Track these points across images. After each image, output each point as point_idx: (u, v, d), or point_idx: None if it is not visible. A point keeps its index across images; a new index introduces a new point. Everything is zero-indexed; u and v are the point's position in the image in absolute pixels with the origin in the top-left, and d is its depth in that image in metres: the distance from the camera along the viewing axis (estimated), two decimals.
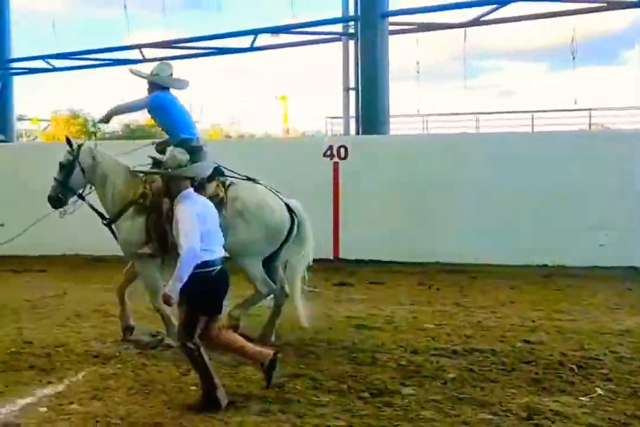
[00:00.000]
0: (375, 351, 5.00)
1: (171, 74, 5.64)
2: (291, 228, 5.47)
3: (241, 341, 4.19)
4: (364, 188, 9.54)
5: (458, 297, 7.15)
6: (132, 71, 5.74)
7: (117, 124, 44.25)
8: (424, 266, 8.95)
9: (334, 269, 8.83)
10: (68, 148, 5.58)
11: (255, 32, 17.16)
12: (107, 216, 5.52)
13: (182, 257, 3.77)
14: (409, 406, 3.91)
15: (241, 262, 5.22)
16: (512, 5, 13.11)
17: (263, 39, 17.60)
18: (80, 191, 5.62)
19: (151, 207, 5.20)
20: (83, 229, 10.02)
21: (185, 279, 3.78)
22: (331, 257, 9.54)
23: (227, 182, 5.36)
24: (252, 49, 17.66)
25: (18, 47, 22.25)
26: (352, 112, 15.85)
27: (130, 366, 4.71)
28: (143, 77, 5.61)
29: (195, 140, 5.49)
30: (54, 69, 19.99)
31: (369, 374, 4.48)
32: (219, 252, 4.01)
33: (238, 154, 10.23)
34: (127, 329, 5.52)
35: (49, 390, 4.26)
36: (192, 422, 3.70)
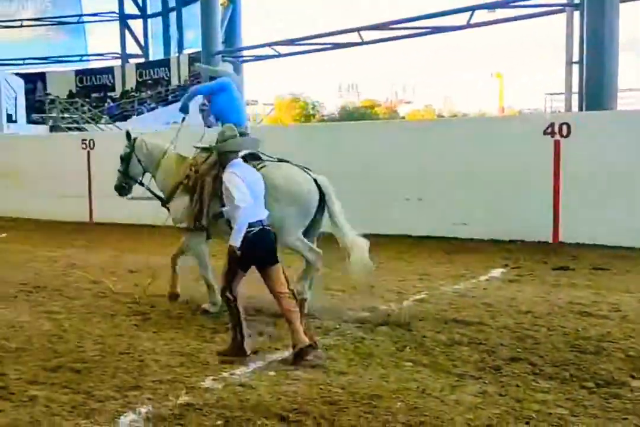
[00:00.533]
0: (601, 340, 4.72)
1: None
2: (322, 201, 5.73)
3: (298, 313, 4.48)
4: (587, 168, 8.96)
5: None
6: (197, 66, 6.70)
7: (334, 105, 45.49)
8: None
9: (553, 253, 8.46)
10: (126, 142, 6.38)
11: (472, 9, 16.76)
12: (164, 198, 6.14)
13: (238, 211, 4.29)
14: (639, 400, 3.67)
15: (281, 236, 5.29)
16: None
17: (479, 16, 17.16)
18: (140, 179, 6.40)
19: (193, 186, 5.74)
20: None
21: (243, 229, 4.29)
22: (550, 240, 9.14)
23: (260, 165, 5.67)
24: (468, 26, 17.29)
25: (248, 36, 23.79)
26: (575, 87, 14.94)
27: (349, 339, 4.91)
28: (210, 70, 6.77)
29: (243, 128, 5.94)
30: (279, 55, 21.07)
31: (593, 363, 4.25)
32: (260, 215, 4.47)
33: (452, 133, 10.19)
34: (172, 297, 5.96)
35: (276, 356, 4.58)
36: (409, 397, 3.77)
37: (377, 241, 9.55)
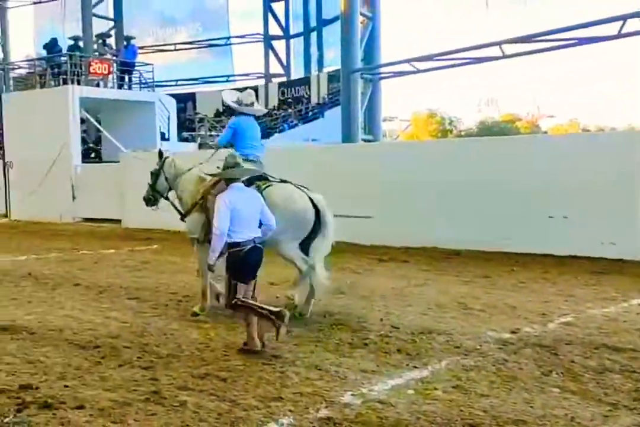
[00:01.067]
0: None
1: (252, 103, 6.91)
2: (318, 218, 6.33)
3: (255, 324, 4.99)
4: None
5: None
6: (223, 97, 7.50)
7: (472, 120, 44.73)
8: None
9: None
10: (158, 160, 7.12)
11: (624, 18, 15.93)
12: (183, 213, 6.80)
13: (215, 236, 4.99)
14: None
15: (278, 248, 6.22)
16: None
17: (632, 24, 16.27)
18: (166, 194, 7.10)
19: (207, 205, 6.33)
20: (441, 224, 10.56)
21: (217, 250, 4.99)
22: None
23: (265, 185, 6.32)
24: (619, 36, 16.43)
25: (386, 52, 23.98)
26: None
27: (491, 360, 4.77)
28: (228, 104, 7.00)
29: (252, 157, 6.66)
30: (418, 71, 21.04)
31: None
32: (250, 234, 5.04)
33: (599, 147, 9.69)
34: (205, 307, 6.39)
35: (415, 374, 4.53)
36: (556, 424, 3.61)
37: (517, 259, 9.41)
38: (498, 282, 7.95)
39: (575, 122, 51.96)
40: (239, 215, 5.02)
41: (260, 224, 5.28)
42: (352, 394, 4.10)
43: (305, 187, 6.52)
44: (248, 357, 4.87)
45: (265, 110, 7.05)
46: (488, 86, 69.08)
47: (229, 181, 5.26)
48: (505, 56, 17.79)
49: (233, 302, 5.02)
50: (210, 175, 6.25)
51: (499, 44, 17.98)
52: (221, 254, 5.12)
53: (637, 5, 15.89)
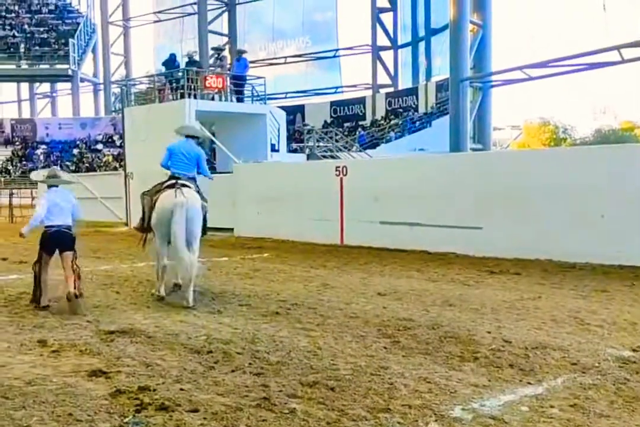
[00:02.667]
0: None
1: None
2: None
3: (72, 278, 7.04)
4: None
5: None
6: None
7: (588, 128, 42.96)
8: None
9: None
10: None
11: None
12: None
13: (32, 217, 7.29)
14: None
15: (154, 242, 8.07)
16: None
17: None
18: None
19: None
20: (555, 235, 10.18)
21: (30, 225, 7.12)
22: None
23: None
24: None
25: (496, 59, 23.49)
26: None
27: (610, 379, 4.53)
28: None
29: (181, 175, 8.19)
30: (530, 79, 20.51)
31: None
32: (62, 222, 7.14)
33: None
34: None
35: (529, 390, 4.37)
36: None
37: (637, 273, 8.92)
38: (616, 297, 7.56)
39: (634, 124, 48.81)
40: (53, 208, 7.13)
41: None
42: (462, 409, 4.01)
43: (186, 190, 7.80)
44: (356, 367, 4.87)
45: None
46: (604, 93, 66.22)
47: (50, 186, 7.50)
48: (624, 61, 17.03)
49: (34, 266, 7.24)
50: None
51: (617, 48, 17.26)
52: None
53: None
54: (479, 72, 22.45)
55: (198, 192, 8.14)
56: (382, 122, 29.85)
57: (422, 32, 31.26)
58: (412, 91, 29.84)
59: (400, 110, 29.61)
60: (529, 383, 4.52)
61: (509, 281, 8.85)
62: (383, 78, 33.34)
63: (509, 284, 8.61)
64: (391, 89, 32.47)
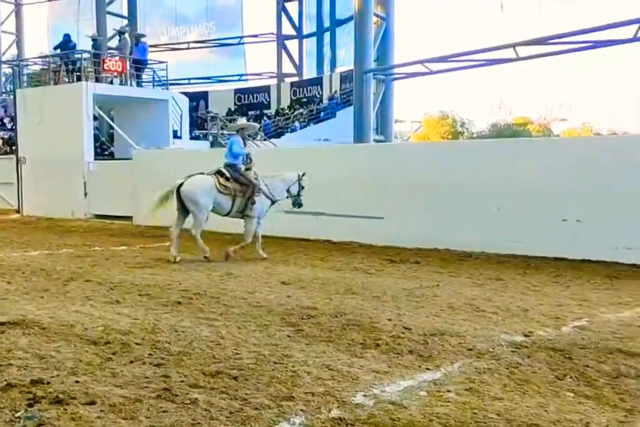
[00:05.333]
0: None
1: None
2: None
3: None
4: None
5: None
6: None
7: (485, 123, 44.52)
8: None
9: None
10: None
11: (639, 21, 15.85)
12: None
13: None
14: None
15: None
16: None
17: None
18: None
19: None
20: (453, 226, 10.52)
21: None
22: None
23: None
24: (635, 39, 16.35)
25: (399, 53, 23.91)
26: None
27: (504, 363, 4.72)
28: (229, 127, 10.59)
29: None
30: (431, 73, 21.00)
31: None
32: None
33: (613, 151, 9.61)
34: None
35: (427, 376, 4.49)
36: None
37: (530, 262, 9.36)
38: (510, 285, 7.90)
39: (588, 125, 51.71)
40: None
41: None
42: (364, 395, 4.07)
43: (217, 175, 9.82)
44: (260, 356, 4.84)
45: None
46: (500, 89, 68.84)
47: None
48: (519, 58, 17.73)
49: None
50: None
51: (513, 46, 17.95)
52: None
53: None
54: (383, 65, 22.79)
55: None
56: (287, 111, 29.80)
57: (327, 23, 31.36)
58: (317, 81, 29.93)
59: (305, 100, 29.68)
60: (428, 369, 4.64)
61: (409, 270, 9.06)
62: (288, 67, 33.24)
63: (409, 273, 8.82)
64: (296, 79, 32.44)
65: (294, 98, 30.13)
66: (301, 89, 30.08)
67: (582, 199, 9.55)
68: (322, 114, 27.59)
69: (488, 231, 10.26)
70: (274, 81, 32.88)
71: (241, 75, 34.13)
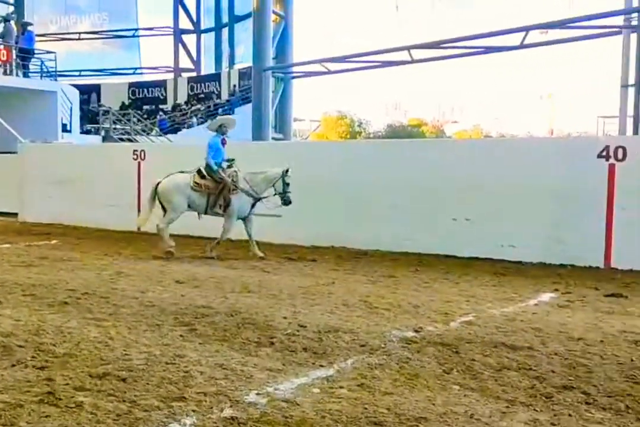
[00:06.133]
0: None
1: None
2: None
3: None
4: None
5: None
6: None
7: (381, 123, 45.47)
8: None
9: (605, 279, 8.26)
10: None
11: (526, 29, 16.62)
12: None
13: None
14: None
15: None
16: None
17: (533, 36, 17.01)
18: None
19: None
20: (349, 224, 10.66)
21: None
22: (602, 265, 8.94)
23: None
24: (521, 46, 17.14)
25: (297, 52, 24.00)
26: (630, 111, 14.67)
27: (395, 358, 4.82)
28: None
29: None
30: (329, 72, 21.21)
31: None
32: None
33: (501, 153, 10.05)
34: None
35: (320, 372, 4.52)
36: (457, 421, 3.68)
37: (422, 260, 9.62)
38: (403, 282, 8.09)
39: (478, 128, 53.86)
40: None
41: None
42: (257, 393, 4.04)
43: (196, 173, 9.87)
44: (151, 356, 4.72)
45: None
46: (396, 90, 70.64)
47: None
48: (414, 61, 18.19)
49: None
50: None
51: (408, 48, 18.40)
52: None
53: (538, 18, 16.62)
54: (282, 63, 22.81)
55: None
56: (184, 106, 29.30)
57: (225, 18, 31.05)
58: (215, 77, 29.58)
59: (203, 95, 29.26)
60: (321, 366, 4.67)
61: (306, 268, 9.11)
62: (185, 62, 32.68)
63: (306, 271, 8.87)
64: (194, 74, 31.94)
65: (191, 93, 29.66)
66: (199, 85, 29.64)
67: (472, 199, 9.91)
68: (220, 110, 27.30)
69: (382, 230, 10.47)
70: (170, 76, 32.25)
71: (136, 68, 33.24)
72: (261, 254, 9.83)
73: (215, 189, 9.81)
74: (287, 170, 9.79)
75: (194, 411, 3.73)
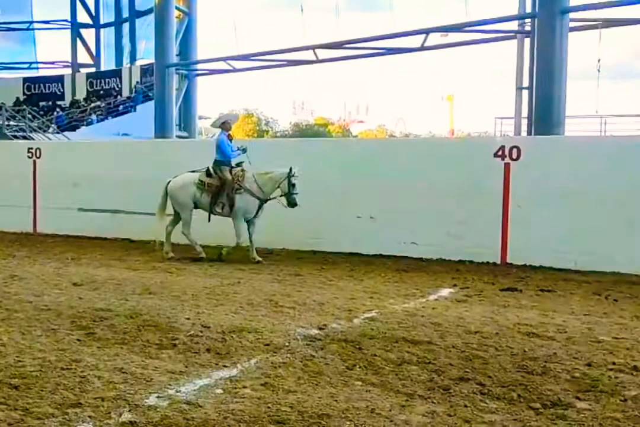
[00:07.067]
0: (547, 361, 4.77)
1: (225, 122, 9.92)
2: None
3: None
4: (536, 191, 9.17)
5: (639, 311, 6.67)
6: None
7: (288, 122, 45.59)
8: (600, 275, 8.46)
9: (501, 274, 8.60)
10: None
11: (427, 32, 17.05)
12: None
13: None
14: (584, 421, 3.69)
15: None
16: None
17: (433, 39, 17.48)
18: None
19: None
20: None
21: None
22: (498, 261, 9.30)
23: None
24: (422, 48, 17.57)
25: (202, 49, 23.68)
26: (524, 112, 15.33)
27: (299, 356, 4.84)
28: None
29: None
30: (234, 70, 21.05)
31: (540, 384, 4.28)
32: None
33: (403, 153, 10.29)
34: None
35: (224, 373, 4.48)
36: (358, 416, 3.73)
37: (327, 258, 9.71)
38: (308, 280, 8.13)
39: (383, 128, 54.90)
40: None
41: None
42: (158, 397, 3.96)
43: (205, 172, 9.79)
44: (45, 362, 4.53)
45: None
46: (303, 89, 71.00)
47: None
48: (318, 60, 18.32)
49: None
50: None
51: (312, 48, 18.52)
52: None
53: (438, 20, 17.11)
54: (186, 60, 22.46)
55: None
56: (83, 103, 28.34)
57: (126, 13, 30.26)
58: (116, 73, 28.77)
59: (103, 92, 28.40)
60: (225, 366, 4.62)
61: (211, 268, 9.01)
62: (84, 57, 31.61)
63: (211, 271, 8.77)
64: (93, 69, 30.94)
65: (90, 90, 28.72)
66: (98, 81, 28.74)
67: (375, 197, 10.08)
68: (121, 107, 26.58)
69: (288, 229, 10.48)
70: (68, 71, 31.13)
71: (31, 63, 31.88)
72: (259, 259, 9.55)
73: (218, 188, 9.58)
74: (291, 170, 9.44)
75: (90, 416, 3.62)
